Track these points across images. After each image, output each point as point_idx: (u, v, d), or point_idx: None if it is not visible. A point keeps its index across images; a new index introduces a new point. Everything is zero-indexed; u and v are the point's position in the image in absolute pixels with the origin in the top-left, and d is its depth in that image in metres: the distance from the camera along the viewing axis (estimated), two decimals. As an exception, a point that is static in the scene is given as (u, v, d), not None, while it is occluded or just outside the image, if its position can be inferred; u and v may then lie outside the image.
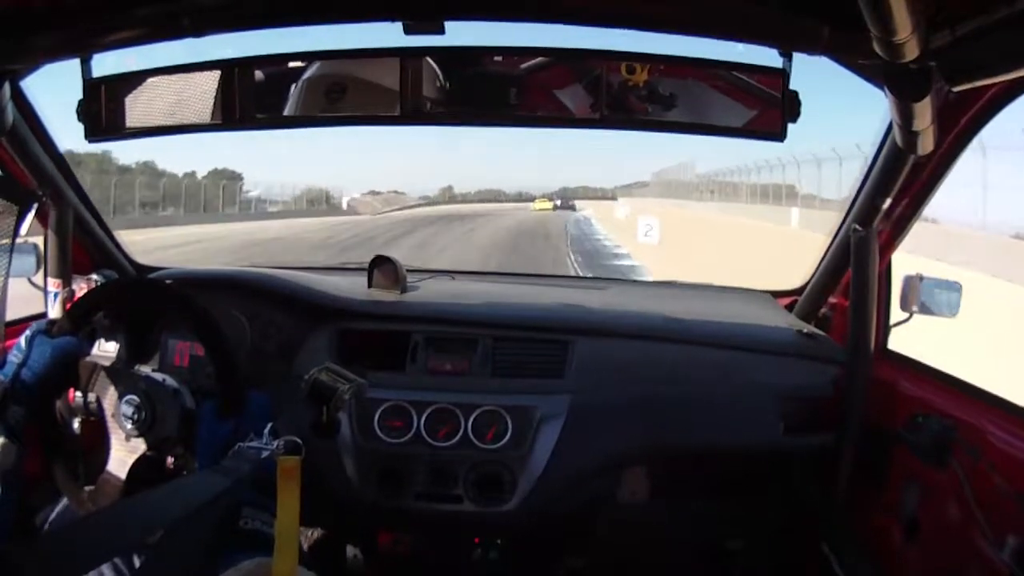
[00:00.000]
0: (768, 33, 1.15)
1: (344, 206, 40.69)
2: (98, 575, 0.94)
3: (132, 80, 1.30)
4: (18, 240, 1.08)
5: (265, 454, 0.94)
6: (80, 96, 1.32)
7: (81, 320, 1.28)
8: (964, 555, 1.19)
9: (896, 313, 1.57)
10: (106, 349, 1.42)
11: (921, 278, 1.52)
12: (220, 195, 29.37)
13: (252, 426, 1.01)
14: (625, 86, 1.21)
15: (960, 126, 1.23)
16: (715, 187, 26.99)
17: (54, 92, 1.49)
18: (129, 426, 1.15)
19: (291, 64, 1.27)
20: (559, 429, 1.39)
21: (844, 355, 1.48)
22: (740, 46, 1.20)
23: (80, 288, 1.60)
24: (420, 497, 1.38)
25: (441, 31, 1.16)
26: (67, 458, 1.20)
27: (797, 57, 1.17)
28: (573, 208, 42.71)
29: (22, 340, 1.08)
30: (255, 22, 1.22)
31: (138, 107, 1.32)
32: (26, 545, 0.57)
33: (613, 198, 53.29)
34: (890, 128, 1.25)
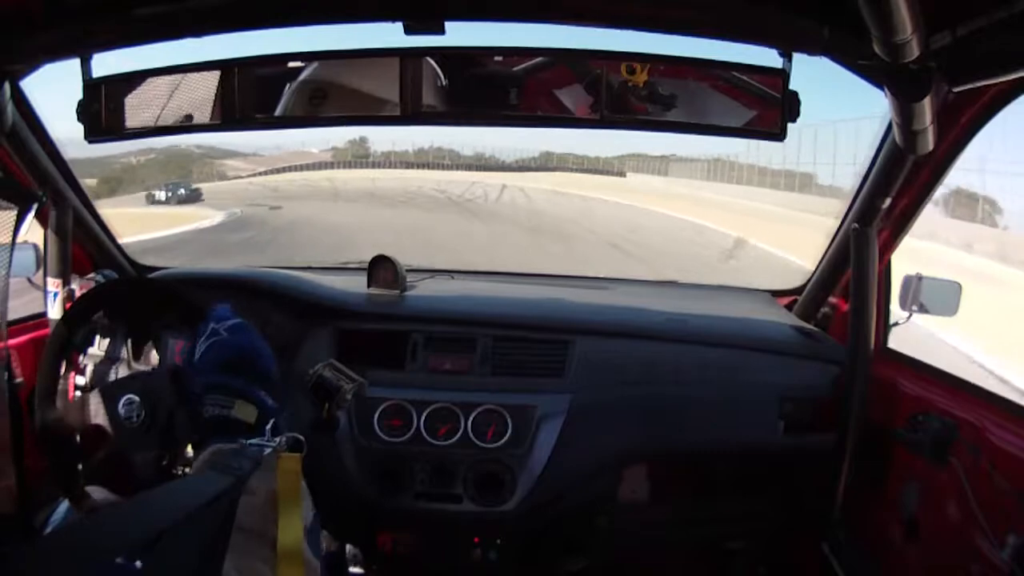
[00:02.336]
0: (768, 33, 1.15)
1: None
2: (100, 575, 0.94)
3: (132, 80, 1.30)
4: (18, 240, 1.08)
5: (267, 451, 0.94)
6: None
7: (81, 320, 1.28)
8: (964, 554, 1.19)
9: (896, 313, 1.57)
10: (105, 348, 1.42)
11: (920, 278, 1.53)
12: None
13: (216, 322, 1.03)
14: (625, 86, 1.21)
15: (960, 126, 1.24)
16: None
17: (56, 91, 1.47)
18: (129, 426, 1.15)
19: (291, 64, 1.27)
20: (559, 428, 1.39)
21: (844, 354, 1.48)
22: (740, 46, 1.20)
23: (80, 288, 1.60)
24: (420, 496, 1.38)
25: (441, 31, 1.16)
26: (67, 458, 1.20)
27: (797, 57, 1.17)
28: (196, 198, 22.69)
29: None
30: (255, 22, 1.22)
31: (138, 107, 1.31)
32: (26, 546, 0.57)
33: (621, 174, 35.92)
34: (890, 128, 1.25)
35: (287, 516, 0.87)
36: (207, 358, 1.01)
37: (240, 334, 1.03)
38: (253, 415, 0.95)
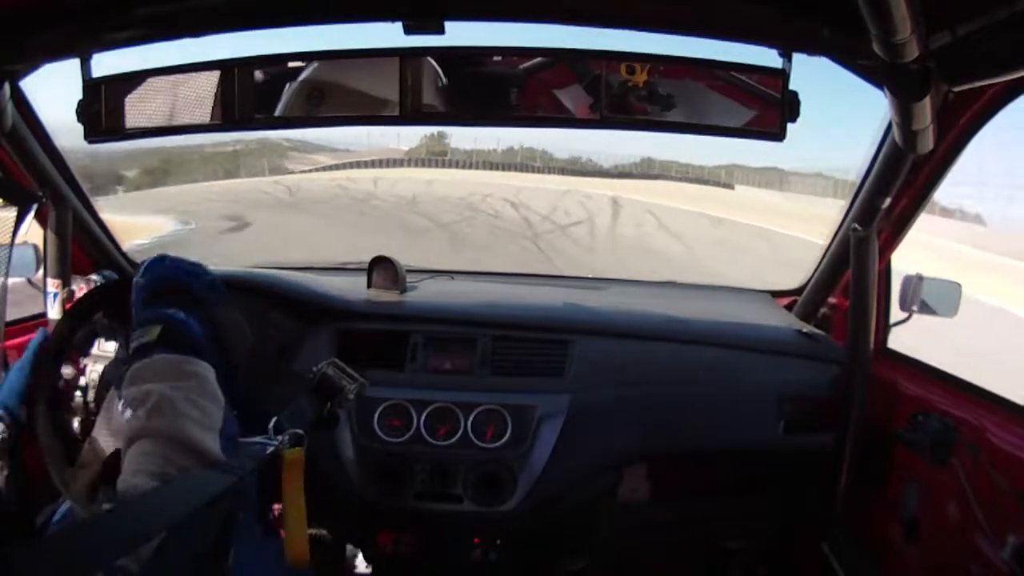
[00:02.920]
0: (768, 33, 1.15)
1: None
2: None
3: (132, 80, 1.30)
4: (18, 240, 1.08)
5: (270, 449, 0.94)
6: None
7: (81, 320, 1.28)
8: (964, 554, 1.19)
9: (896, 313, 1.57)
10: (106, 349, 1.42)
11: (920, 278, 1.53)
12: None
13: (139, 276, 1.05)
14: (625, 86, 1.21)
15: (960, 126, 1.24)
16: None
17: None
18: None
19: (290, 64, 1.27)
20: (559, 428, 1.39)
21: (844, 354, 1.48)
22: (740, 46, 1.20)
23: (80, 288, 1.60)
24: (420, 496, 1.38)
25: (441, 31, 1.16)
26: (68, 459, 1.20)
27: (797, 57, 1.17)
28: None
29: None
30: (255, 22, 1.22)
31: (138, 107, 1.31)
32: (28, 547, 0.57)
33: (728, 186, 30.34)
34: (890, 128, 1.25)
35: (292, 511, 0.88)
36: (135, 307, 1.04)
37: (151, 269, 1.05)
38: (155, 332, 0.97)
